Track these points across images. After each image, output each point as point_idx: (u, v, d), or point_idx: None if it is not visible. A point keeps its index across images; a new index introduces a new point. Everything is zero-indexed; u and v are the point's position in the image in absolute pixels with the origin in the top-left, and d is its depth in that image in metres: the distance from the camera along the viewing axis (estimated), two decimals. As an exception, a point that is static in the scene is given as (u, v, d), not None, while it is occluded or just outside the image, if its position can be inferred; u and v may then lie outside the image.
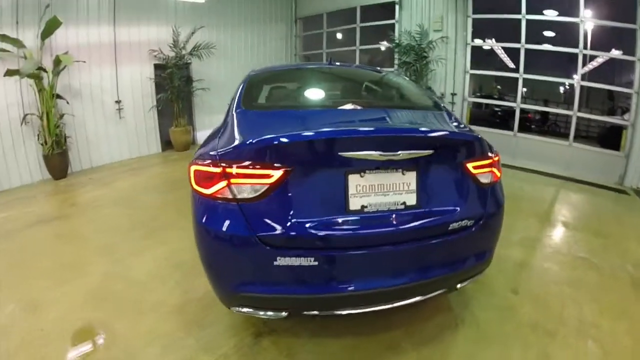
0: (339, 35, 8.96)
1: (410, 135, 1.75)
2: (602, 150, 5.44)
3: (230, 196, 1.58)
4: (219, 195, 1.59)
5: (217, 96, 7.41)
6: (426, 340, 2.11)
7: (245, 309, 1.71)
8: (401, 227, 1.67)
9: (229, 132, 1.84)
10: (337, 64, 2.99)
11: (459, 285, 1.88)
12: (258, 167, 1.56)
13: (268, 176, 1.55)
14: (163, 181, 5.44)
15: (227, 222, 1.58)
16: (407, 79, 3.00)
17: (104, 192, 4.95)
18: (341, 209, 1.63)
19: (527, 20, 5.69)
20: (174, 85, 6.81)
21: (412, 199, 1.70)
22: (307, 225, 1.59)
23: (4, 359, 2.00)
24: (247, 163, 1.56)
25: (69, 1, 5.52)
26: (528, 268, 2.95)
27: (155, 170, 6.05)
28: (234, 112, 2.06)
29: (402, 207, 1.70)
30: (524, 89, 10.20)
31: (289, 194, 1.59)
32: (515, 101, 6.15)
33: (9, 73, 4.64)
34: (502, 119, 8.28)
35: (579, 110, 6.07)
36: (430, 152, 1.66)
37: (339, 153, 1.55)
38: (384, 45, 7.56)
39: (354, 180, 1.63)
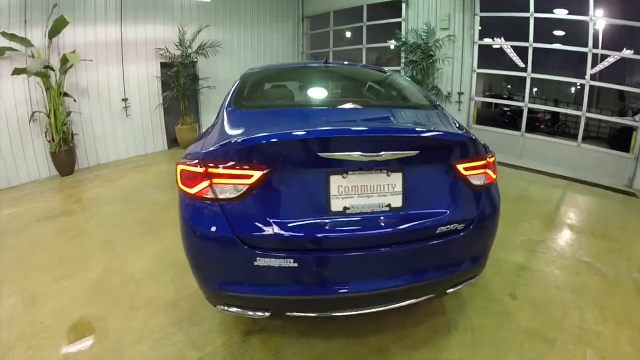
0: (346, 34, 8.92)
1: (394, 135, 1.69)
2: (611, 151, 5.31)
3: (212, 196, 1.58)
4: (202, 195, 1.59)
5: (223, 94, 7.28)
6: (417, 344, 2.07)
7: (228, 308, 1.71)
8: (385, 229, 1.63)
9: (215, 131, 1.84)
10: (332, 63, 2.96)
11: (449, 290, 1.83)
12: (238, 167, 1.55)
13: (248, 176, 1.54)
14: (167, 179, 5.49)
15: (209, 222, 1.59)
16: (404, 76, 2.94)
17: (109, 189, 5.03)
18: (322, 210, 1.61)
19: (536, 19, 5.58)
20: (179, 83, 6.87)
21: (397, 201, 1.66)
22: (287, 226, 1.58)
23: (3, 350, 2.06)
24: (228, 163, 1.56)
25: (76, 0, 5.60)
26: (528, 272, 2.88)
27: (161, 167, 6.11)
28: (223, 112, 2.06)
29: (387, 209, 1.66)
30: (535, 89, 10.09)
31: (270, 195, 1.58)
32: (527, 101, 6.03)
33: (17, 71, 4.73)
34: (511, 119, 8.18)
35: (589, 111, 5.94)
36: (415, 152, 1.60)
37: (319, 153, 1.53)
38: (392, 44, 7.49)
39: (335, 181, 1.60)
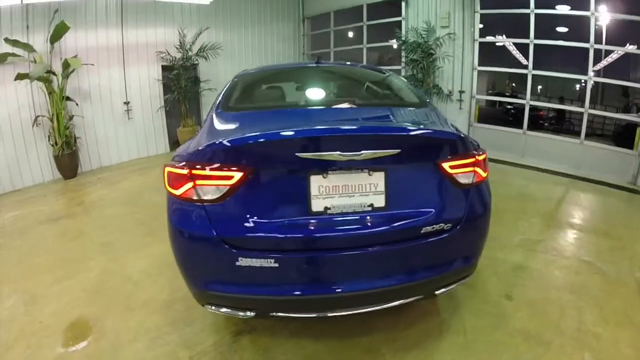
0: (348, 34, 8.90)
1: (374, 134, 1.66)
2: (615, 148, 5.22)
3: (196, 197, 1.60)
4: (187, 196, 1.62)
5: (223, 96, 7.47)
6: (408, 346, 2.05)
7: (214, 308, 1.73)
8: (368, 230, 1.62)
9: (201, 134, 1.86)
10: (324, 63, 2.95)
11: (437, 292, 1.79)
12: (219, 168, 1.57)
13: (229, 177, 1.56)
14: (168, 181, 5.54)
15: (193, 223, 1.62)
16: (396, 75, 2.92)
17: (111, 192, 5.09)
18: (303, 210, 1.62)
19: (538, 16, 5.51)
20: (180, 86, 6.92)
21: (380, 201, 1.65)
22: (267, 226, 1.59)
23: (3, 348, 2.12)
24: (209, 165, 1.58)
25: (77, 5, 5.67)
26: (526, 272, 2.83)
27: (162, 170, 6.17)
28: (212, 114, 2.08)
29: (369, 209, 1.64)
30: (539, 87, 9.97)
31: (250, 195, 1.59)
32: (528, 99, 5.95)
33: (20, 77, 4.82)
34: (515, 117, 8.08)
35: (594, 108, 5.87)
36: (396, 151, 1.58)
37: (298, 154, 1.53)
38: (394, 44, 7.46)
39: (316, 181, 1.60)
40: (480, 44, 6.31)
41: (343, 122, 1.88)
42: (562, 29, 6.27)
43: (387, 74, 2.93)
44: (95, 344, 2.14)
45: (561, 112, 8.20)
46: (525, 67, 5.82)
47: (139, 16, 6.44)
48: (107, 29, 6.08)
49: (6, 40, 4.87)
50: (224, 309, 1.71)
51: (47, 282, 2.84)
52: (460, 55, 6.40)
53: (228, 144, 1.58)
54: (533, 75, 5.81)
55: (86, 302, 2.56)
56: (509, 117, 8.52)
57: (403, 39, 6.91)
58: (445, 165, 1.69)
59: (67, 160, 5.63)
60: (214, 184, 1.58)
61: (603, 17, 5.04)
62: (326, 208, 1.62)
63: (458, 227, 1.73)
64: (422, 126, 1.89)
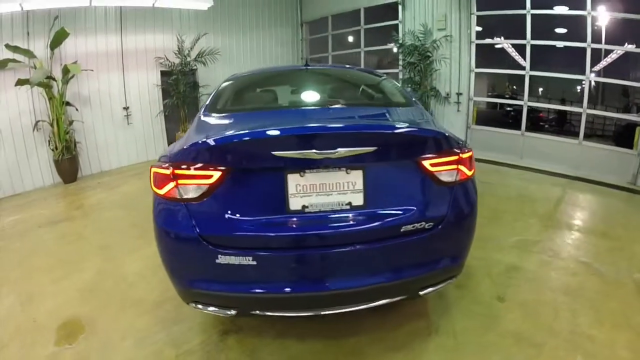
0: (348, 38, 8.94)
1: (349, 132, 1.66)
2: (614, 148, 5.18)
3: (178, 196, 1.63)
4: (169, 196, 1.65)
5: (223, 101, 7.52)
6: (394, 347, 2.03)
7: (198, 306, 1.75)
8: (346, 228, 1.62)
9: (186, 135, 1.90)
10: (312, 65, 2.98)
11: (422, 292, 1.77)
12: (199, 168, 1.61)
13: (208, 177, 1.59)
14: (166, 184, 5.57)
15: (175, 221, 1.65)
16: (386, 76, 2.93)
17: (109, 195, 5.13)
18: (281, 209, 1.62)
19: (534, 17, 5.51)
20: (179, 91, 6.96)
21: (358, 199, 1.64)
22: (245, 225, 1.60)
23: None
24: (190, 165, 1.62)
25: (77, 12, 5.75)
26: (521, 273, 2.79)
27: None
28: (199, 116, 2.13)
29: (348, 207, 1.64)
30: (540, 89, 9.92)
31: (229, 194, 1.62)
32: (529, 99, 5.93)
33: (20, 82, 4.89)
34: (515, 119, 8.05)
35: (594, 108, 5.84)
36: (372, 149, 1.58)
37: (273, 152, 1.54)
38: (394, 47, 7.48)
39: (293, 179, 1.61)
40: (479, 46, 6.31)
41: (320, 121, 1.88)
42: (561, 30, 6.25)
43: (376, 75, 2.95)
44: (86, 342, 2.19)
45: (562, 114, 8.15)
46: (523, 68, 5.81)
47: (137, 22, 6.51)
48: (107, 35, 6.16)
49: (7, 46, 4.95)
50: (207, 307, 1.73)
51: (44, 282, 2.91)
52: (457, 57, 6.40)
53: (206, 145, 1.62)
54: (533, 77, 5.80)
55: (80, 302, 2.62)
56: (509, 119, 8.49)
57: (400, 42, 6.93)
58: (426, 163, 1.68)
59: (67, 165, 5.69)
60: (194, 183, 1.61)
61: (600, 16, 5.02)
62: (304, 206, 1.63)
63: (440, 226, 1.71)
64: (400, 124, 1.87)
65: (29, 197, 5.25)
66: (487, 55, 6.43)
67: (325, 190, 1.63)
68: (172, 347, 2.11)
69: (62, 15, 5.50)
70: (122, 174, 6.19)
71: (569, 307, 2.36)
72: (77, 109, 5.84)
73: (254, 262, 1.58)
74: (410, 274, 1.71)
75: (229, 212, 1.62)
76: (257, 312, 1.73)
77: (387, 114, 2.11)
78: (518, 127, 6.05)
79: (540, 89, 9.93)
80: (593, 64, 5.16)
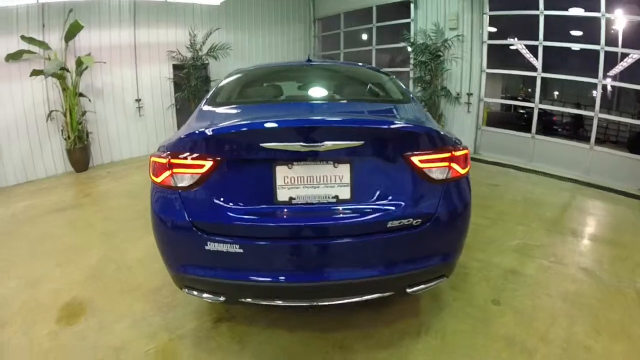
0: (361, 36, 8.90)
1: (336, 126, 1.67)
2: (626, 154, 5.04)
3: (172, 184, 1.69)
4: (165, 184, 1.71)
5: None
6: (382, 345, 2.03)
7: (190, 291, 1.80)
8: (332, 221, 1.64)
9: (184, 126, 1.96)
10: (315, 61, 3.01)
11: (409, 290, 1.76)
12: (192, 158, 1.66)
13: (200, 166, 1.64)
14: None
15: (169, 208, 1.72)
16: (386, 72, 2.93)
17: (118, 185, 5.26)
18: (269, 199, 1.66)
19: (549, 18, 5.39)
20: (191, 84, 7.05)
21: (345, 193, 1.66)
22: (234, 213, 1.65)
23: (3, 323, 2.31)
24: (184, 154, 1.67)
25: (92, 5, 5.88)
26: (519, 277, 2.73)
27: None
28: (199, 108, 2.19)
29: (334, 200, 1.66)
30: (556, 92, 9.71)
31: (220, 183, 1.66)
32: (540, 102, 5.81)
33: (34, 73, 5.03)
34: (528, 122, 7.91)
35: (608, 113, 5.69)
36: (359, 143, 1.59)
37: (261, 144, 1.57)
38: (407, 45, 7.43)
39: (281, 171, 1.64)
40: (492, 46, 6.22)
41: (309, 114, 1.91)
42: (577, 32, 6.10)
43: (375, 72, 2.96)
44: (85, 323, 2.29)
45: (576, 118, 7.98)
46: (535, 70, 5.69)
47: (150, 16, 6.62)
48: (120, 29, 6.28)
49: (22, 37, 5.10)
50: (198, 293, 1.78)
51: (49, 266, 3.03)
52: (469, 57, 6.31)
53: (198, 135, 1.68)
54: (550, 80, 5.68)
55: (82, 286, 2.73)
56: (522, 122, 8.35)
57: (411, 40, 6.87)
58: (415, 160, 1.67)
59: (79, 154, 5.84)
60: (187, 172, 1.67)
61: (616, 19, 4.88)
62: (291, 198, 1.66)
63: (428, 224, 1.69)
64: (389, 119, 1.87)
65: (41, 184, 5.41)
66: (501, 56, 6.32)
67: (313, 183, 1.65)
68: (165, 331, 2.19)
69: (77, 8, 5.63)
70: (131, 164, 6.32)
71: (566, 314, 2.30)
72: (90, 100, 5.98)
73: (241, 250, 1.62)
74: (396, 270, 1.71)
75: (219, 200, 1.67)
76: (244, 299, 1.77)
77: (379, 110, 2.12)
78: (530, 130, 5.94)
79: (556, 92, 9.74)
80: (608, 68, 5.03)
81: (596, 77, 4.99)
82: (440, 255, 1.81)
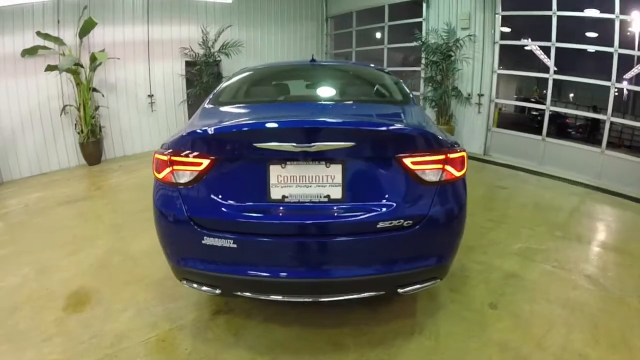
0: (368, 34, 8.88)
1: (326, 127, 1.70)
2: (638, 159, 4.91)
3: (173, 180, 1.76)
4: (166, 180, 1.79)
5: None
6: (374, 343, 2.04)
7: (188, 283, 1.87)
8: (322, 220, 1.67)
9: (186, 125, 2.02)
10: (319, 61, 3.02)
11: (401, 290, 1.78)
12: (190, 156, 1.72)
13: (198, 164, 1.71)
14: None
15: (169, 203, 1.79)
16: (389, 73, 2.93)
17: (128, 178, 5.38)
18: (262, 197, 1.71)
19: (560, 18, 5.28)
20: (202, 81, 7.14)
21: (336, 193, 1.69)
22: (229, 210, 1.71)
23: (12, 308, 2.43)
24: (183, 152, 1.74)
25: (106, 2, 6.02)
26: (519, 281, 2.70)
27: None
28: (202, 106, 2.27)
29: (326, 200, 1.69)
30: (571, 95, 9.49)
31: (216, 181, 1.73)
32: (554, 104, 5.71)
33: (49, 68, 5.19)
34: (541, 124, 7.77)
35: (623, 117, 5.56)
36: (350, 144, 1.62)
37: (255, 144, 1.62)
38: (419, 44, 7.37)
39: (275, 170, 1.69)
40: (507, 47, 6.12)
41: (304, 115, 1.94)
42: (592, 34, 5.96)
43: (378, 72, 2.97)
44: (90, 311, 2.38)
45: (591, 121, 7.80)
46: (555, 72, 5.58)
47: (164, 13, 6.73)
48: (134, 25, 6.41)
49: (38, 33, 5.26)
50: (195, 285, 1.85)
51: (58, 256, 3.14)
52: (480, 57, 6.24)
53: (196, 134, 1.75)
54: (563, 82, 5.57)
55: (89, 275, 2.83)
56: (535, 124, 8.20)
57: (423, 40, 6.82)
58: (407, 161, 1.68)
59: (92, 148, 5.99)
60: (186, 169, 1.74)
61: (632, 20, 4.76)
62: (284, 196, 1.70)
63: (419, 226, 1.70)
64: (382, 121, 1.89)
65: (54, 176, 5.59)
66: (517, 57, 6.21)
67: (305, 182, 1.69)
68: (166, 321, 2.26)
69: (91, 5, 5.77)
70: (143, 159, 6.44)
71: (564, 322, 2.25)
72: (103, 95, 6.12)
73: (235, 246, 1.68)
74: (386, 270, 1.73)
75: (215, 197, 1.73)
76: (239, 293, 1.82)
77: (375, 111, 2.14)
78: (542, 132, 5.83)
79: (571, 95, 9.52)
80: (623, 71, 4.90)
81: (609, 80, 4.87)
82: (433, 257, 1.81)
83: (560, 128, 7.91)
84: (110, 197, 4.72)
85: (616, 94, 5.01)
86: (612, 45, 4.78)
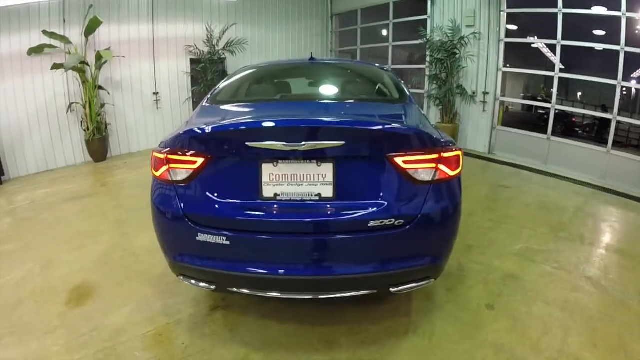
0: (373, 32, 8.84)
1: (316, 126, 1.71)
2: (644, 159, 4.84)
3: (169, 178, 1.80)
4: (163, 178, 1.83)
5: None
6: (367, 342, 2.05)
7: (185, 279, 1.91)
8: (314, 218, 1.69)
9: (185, 123, 2.06)
10: (318, 59, 3.05)
11: (393, 290, 1.78)
12: (185, 154, 1.76)
13: (192, 162, 1.75)
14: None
15: (166, 201, 1.83)
16: (389, 72, 2.92)
17: (134, 175, 5.45)
18: (255, 195, 1.74)
19: (566, 16, 5.20)
20: (207, 79, 7.18)
21: (328, 191, 1.70)
22: (222, 207, 1.74)
23: (16, 303, 2.48)
24: (179, 151, 1.78)
25: (111, 1, 6.08)
26: (517, 282, 2.67)
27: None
28: (201, 105, 2.30)
29: (317, 198, 1.71)
30: (579, 93, 9.34)
31: (211, 179, 1.76)
32: (561, 103, 5.64)
33: (55, 67, 5.27)
34: (547, 123, 7.67)
35: (631, 117, 5.46)
36: (340, 143, 1.63)
37: (247, 143, 1.64)
38: (424, 41, 7.33)
39: (267, 169, 1.71)
40: (514, 45, 6.06)
41: (295, 115, 1.97)
42: (599, 32, 5.87)
43: (378, 70, 2.97)
44: (92, 305, 2.45)
45: (599, 120, 7.68)
46: (563, 70, 5.51)
47: (169, 12, 6.78)
48: (139, 24, 6.46)
49: (44, 32, 5.33)
50: (192, 281, 1.89)
51: (62, 250, 3.21)
52: (485, 55, 6.18)
53: (191, 134, 1.78)
54: (570, 80, 5.50)
55: (92, 270, 2.89)
56: (542, 122, 8.10)
57: (427, 38, 6.78)
58: (399, 160, 1.68)
59: (97, 145, 6.07)
60: (182, 167, 1.77)
61: (639, 18, 4.67)
62: (276, 194, 1.73)
63: (411, 225, 1.70)
64: (374, 120, 1.89)
65: (60, 173, 5.68)
66: (524, 55, 6.12)
67: (297, 181, 1.72)
68: (164, 316, 2.31)
69: (97, 3, 5.83)
70: (148, 156, 6.35)
71: (562, 324, 2.22)
72: (108, 93, 6.19)
73: (228, 242, 1.71)
74: (378, 269, 1.74)
75: (210, 194, 1.76)
76: (232, 289, 1.85)
77: (369, 110, 2.14)
78: (548, 131, 5.77)
79: (579, 93, 9.37)
80: (630, 69, 4.82)
81: (616, 78, 4.80)
82: (426, 256, 1.81)
83: (567, 127, 7.80)
84: (115, 193, 4.79)
85: (624, 92, 4.92)
86: (618, 44, 4.70)
